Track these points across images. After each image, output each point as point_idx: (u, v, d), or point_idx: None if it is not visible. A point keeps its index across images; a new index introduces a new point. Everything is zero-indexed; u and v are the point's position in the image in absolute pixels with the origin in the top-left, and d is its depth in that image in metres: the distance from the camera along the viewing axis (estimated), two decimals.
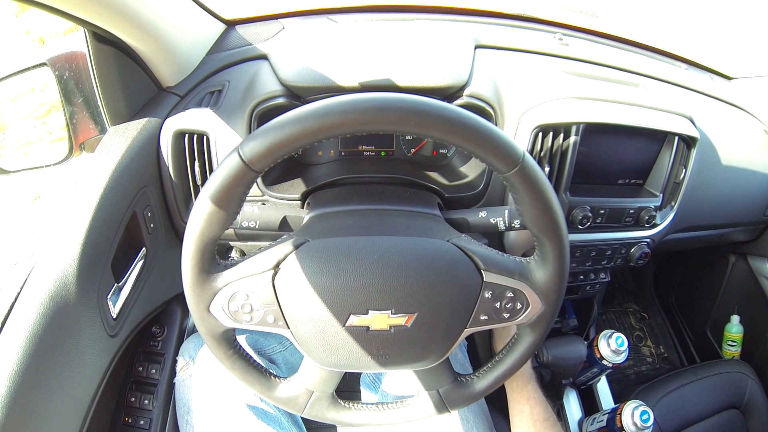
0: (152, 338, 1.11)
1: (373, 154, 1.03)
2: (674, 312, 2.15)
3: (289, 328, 0.65)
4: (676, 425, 1.38)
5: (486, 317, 0.67)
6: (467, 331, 0.68)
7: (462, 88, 0.94)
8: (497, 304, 0.66)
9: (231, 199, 0.56)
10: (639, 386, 1.42)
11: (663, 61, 1.50)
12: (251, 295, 0.63)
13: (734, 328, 1.80)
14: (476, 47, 1.08)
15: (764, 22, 1.63)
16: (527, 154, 0.57)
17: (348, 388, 1.17)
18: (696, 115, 1.19)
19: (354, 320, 0.63)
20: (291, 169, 0.99)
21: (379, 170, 0.97)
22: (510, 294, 0.66)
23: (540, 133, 0.98)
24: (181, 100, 0.98)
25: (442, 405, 0.76)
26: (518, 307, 0.67)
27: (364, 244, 0.66)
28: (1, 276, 0.79)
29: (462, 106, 0.91)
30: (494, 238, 1.07)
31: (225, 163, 0.54)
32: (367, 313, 0.62)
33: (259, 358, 0.99)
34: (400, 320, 0.63)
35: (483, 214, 0.84)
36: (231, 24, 1.13)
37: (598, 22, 1.47)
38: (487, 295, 0.65)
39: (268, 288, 0.63)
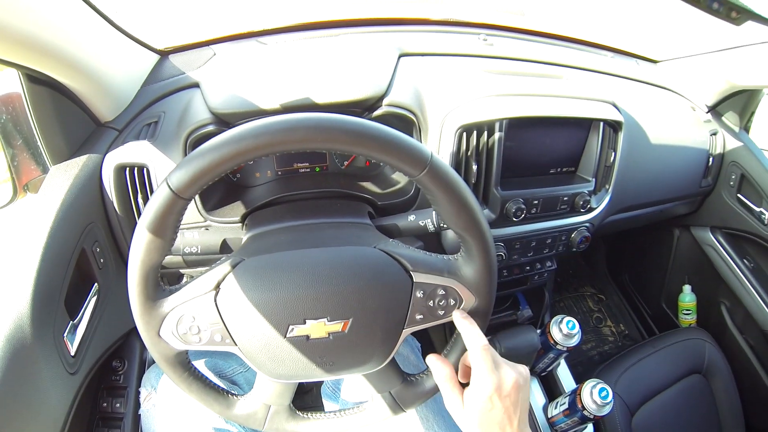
0: (114, 372, 1.12)
1: (308, 170, 1.06)
2: (629, 290, 2.23)
3: (236, 344, 0.67)
4: (640, 397, 1.44)
5: (421, 316, 0.69)
6: (406, 331, 0.70)
7: (381, 98, 0.98)
8: (430, 303, 0.69)
9: (166, 227, 0.59)
10: (600, 365, 1.47)
11: (589, 51, 1.58)
12: (197, 316, 0.65)
13: (687, 297, 1.88)
14: (401, 56, 1.13)
15: (685, 6, 1.70)
16: (435, 155, 0.59)
17: (314, 403, 1.20)
18: (621, 100, 1.26)
19: (294, 331, 0.65)
20: (231, 193, 1.02)
21: (315, 185, 1.00)
22: (441, 291, 0.69)
23: (464, 133, 1.03)
24: (120, 134, 1.01)
25: (396, 405, 0.79)
26: (452, 303, 0.70)
27: (295, 257, 0.68)
28: None
29: (382, 115, 0.97)
30: (431, 239, 1.11)
31: (156, 194, 0.57)
32: (304, 322, 0.65)
33: (221, 381, 1.02)
34: (337, 326, 0.66)
35: (411, 217, 0.88)
36: (164, 54, 1.16)
37: (524, 20, 1.54)
38: (419, 294, 0.68)
39: (211, 308, 0.65)
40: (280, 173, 1.05)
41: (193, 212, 0.94)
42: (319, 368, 0.69)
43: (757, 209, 1.58)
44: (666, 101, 1.57)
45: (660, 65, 1.69)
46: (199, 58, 1.14)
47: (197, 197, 0.92)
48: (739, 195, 1.64)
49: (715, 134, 1.61)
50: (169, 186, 0.56)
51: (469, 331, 0.70)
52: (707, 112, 1.63)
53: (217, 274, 0.66)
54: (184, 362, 0.72)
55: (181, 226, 0.90)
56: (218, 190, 1.00)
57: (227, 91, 0.97)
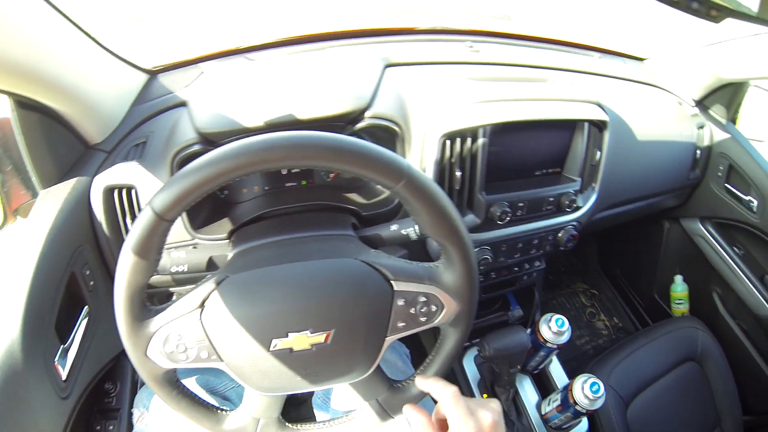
0: (106, 395, 1.06)
1: (295, 184, 1.01)
2: (622, 283, 2.14)
3: (222, 360, 0.64)
4: (634, 388, 1.37)
5: (404, 324, 0.66)
6: (389, 339, 0.66)
7: (365, 110, 0.91)
8: (412, 310, 0.65)
9: (149, 249, 0.56)
10: (594, 359, 1.40)
11: (576, 53, 1.50)
12: (183, 335, 0.62)
13: (679, 287, 1.80)
14: (387, 66, 1.06)
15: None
16: (412, 166, 0.56)
17: (308, 414, 1.13)
18: (607, 99, 1.18)
19: (277, 344, 0.62)
20: (218, 210, 0.96)
21: (301, 199, 0.94)
22: (423, 299, 0.65)
23: (448, 141, 0.96)
24: (109, 156, 0.95)
25: (384, 412, 0.75)
26: (433, 310, 0.66)
27: (277, 272, 0.65)
28: None
29: (365, 128, 0.91)
30: (416, 248, 1.05)
31: (140, 217, 0.55)
32: (287, 335, 0.61)
33: (213, 397, 0.97)
34: (320, 338, 0.62)
35: (394, 227, 0.84)
36: (153, 73, 1.09)
37: (510, 25, 1.46)
38: (400, 303, 0.64)
39: (197, 326, 0.61)
40: (267, 189, 1.00)
41: (180, 231, 0.88)
42: (304, 380, 0.66)
43: (746, 198, 1.51)
44: (653, 98, 1.49)
45: (647, 63, 1.61)
46: (187, 77, 1.07)
47: (184, 215, 0.87)
48: (727, 185, 1.56)
49: (702, 127, 1.53)
50: (152, 209, 0.53)
51: (434, 387, 0.69)
52: (694, 106, 1.55)
53: (201, 292, 0.63)
54: (172, 380, 0.68)
55: (169, 245, 0.86)
56: (205, 208, 0.94)
57: (213, 109, 0.91)
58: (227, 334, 0.62)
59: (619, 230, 2.00)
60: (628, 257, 2.11)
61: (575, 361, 1.89)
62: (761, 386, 1.61)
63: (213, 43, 1.15)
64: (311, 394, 1.01)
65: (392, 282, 0.64)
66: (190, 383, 0.96)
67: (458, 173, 0.97)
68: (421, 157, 0.97)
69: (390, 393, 0.74)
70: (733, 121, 1.57)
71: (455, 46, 1.25)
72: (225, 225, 0.91)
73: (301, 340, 0.62)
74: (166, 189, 0.53)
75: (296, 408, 1.17)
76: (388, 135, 0.96)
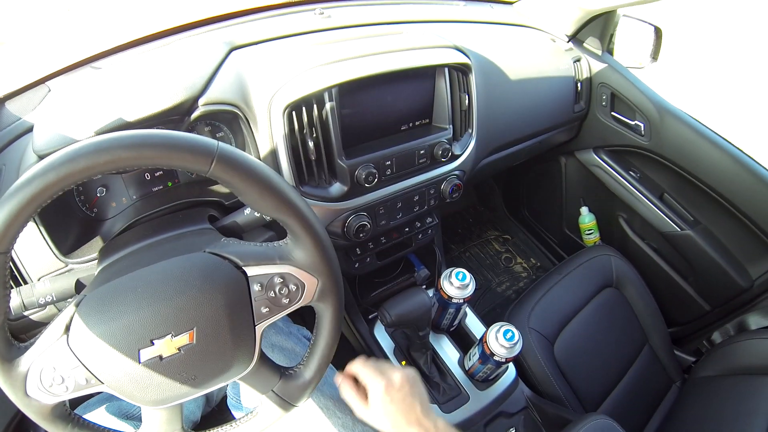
0: None
1: (161, 187, 0.92)
2: (531, 224, 2.13)
3: (103, 383, 0.58)
4: (557, 325, 1.33)
5: (267, 309, 0.61)
6: (260, 327, 0.62)
7: (197, 98, 0.82)
8: (271, 293, 0.61)
9: None
10: (511, 305, 1.35)
11: (439, 4, 1.42)
12: (56, 365, 0.56)
13: (586, 218, 1.79)
14: (232, 50, 0.96)
15: None
16: (221, 144, 0.52)
17: (225, 416, 1.05)
18: (474, 44, 1.12)
19: (146, 354, 0.56)
20: (88, 230, 0.87)
21: (169, 200, 0.86)
22: (279, 279, 0.61)
23: (293, 112, 0.87)
24: None
25: (284, 402, 0.70)
26: (293, 290, 0.62)
27: (129, 281, 0.59)
28: None
29: (201, 116, 0.81)
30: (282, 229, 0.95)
31: None
32: (152, 343, 0.56)
33: (128, 422, 0.92)
34: (184, 339, 0.57)
35: (247, 210, 0.78)
36: (1, 101, 0.95)
37: None
38: (257, 288, 0.60)
39: (67, 353, 0.56)
40: (135, 197, 0.90)
41: (50, 260, 0.79)
42: (185, 385, 0.60)
43: (632, 122, 1.50)
44: (524, 38, 1.44)
45: (516, 5, 1.57)
46: (34, 99, 0.95)
47: (48, 242, 0.77)
48: (613, 113, 1.55)
49: (578, 60, 1.50)
50: None
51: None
52: (568, 41, 1.52)
53: (64, 318, 0.57)
54: (63, 415, 0.62)
55: (44, 276, 0.79)
56: (73, 230, 0.85)
57: (53, 129, 0.80)
58: (97, 354, 0.56)
59: (518, 172, 1.99)
60: (533, 197, 2.08)
61: (499, 308, 1.87)
62: (679, 298, 1.62)
63: (59, 59, 1.02)
64: (224, 396, 0.97)
65: (244, 268, 0.60)
66: (100, 412, 0.91)
67: (310, 143, 0.89)
68: (269, 134, 0.88)
69: (283, 381, 0.69)
70: (610, 51, 1.55)
71: (304, 16, 1.15)
72: (96, 244, 0.83)
73: (167, 345, 0.57)
74: None
75: (219, 413, 1.11)
76: (231, 118, 0.87)
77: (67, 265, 0.81)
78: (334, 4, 1.22)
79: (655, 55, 1.44)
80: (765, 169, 1.33)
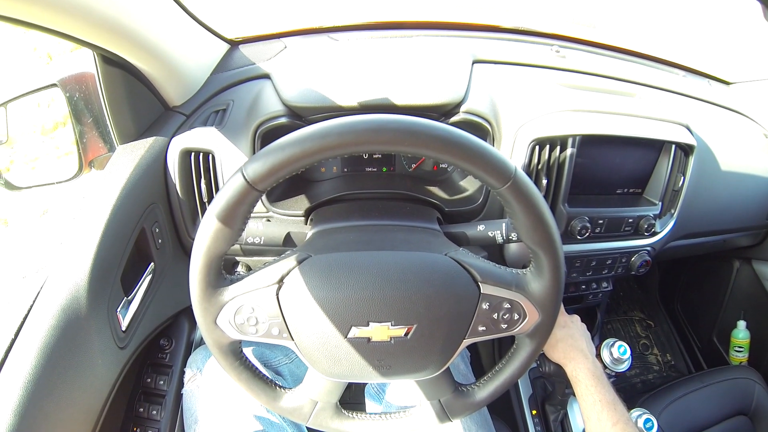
0: (161, 350, 1.13)
1: (375, 170, 1.04)
2: (680, 319, 2.14)
3: (293, 339, 0.66)
4: None
5: (484, 328, 0.68)
6: (466, 342, 0.69)
7: (459, 104, 0.95)
8: (495, 315, 0.67)
9: (236, 217, 0.58)
10: (645, 394, 1.42)
11: (660, 69, 1.52)
12: (256, 308, 0.65)
13: (741, 333, 1.79)
14: (474, 62, 1.10)
15: (760, 26, 1.63)
16: (519, 170, 0.58)
17: (354, 400, 1.17)
18: (693, 122, 1.20)
19: (355, 332, 0.64)
20: (295, 186, 1.00)
21: (381, 186, 0.99)
22: (507, 305, 0.67)
23: (537, 147, 1.00)
24: (187, 119, 1.01)
25: (444, 414, 0.77)
26: (516, 318, 0.68)
27: (364, 258, 0.67)
28: (11, 289, 0.82)
29: (458, 122, 0.95)
30: (494, 250, 1.08)
31: (229, 183, 0.57)
32: (368, 325, 0.64)
33: (266, 370, 1.02)
34: (400, 332, 0.64)
35: (481, 227, 0.86)
36: (234, 44, 1.15)
37: (595, 33, 1.50)
38: (485, 306, 0.66)
39: (272, 302, 0.64)
40: (345, 170, 1.04)
41: None
42: (375, 371, 0.69)
43: None
44: (737, 126, 1.50)
45: (733, 87, 1.62)
46: (269, 50, 1.13)
47: None
48: None
49: None
50: (244, 176, 0.56)
51: None
52: None
53: (281, 268, 0.66)
54: (236, 351, 0.71)
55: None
56: (282, 183, 0.99)
57: (300, 84, 0.95)
58: (304, 314, 0.64)
59: (685, 262, 2.02)
60: (691, 293, 2.10)
61: (622, 393, 1.82)
62: None
63: (296, 19, 1.21)
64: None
65: (480, 284, 0.66)
66: (246, 353, 1.01)
67: (544, 181, 1.01)
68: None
69: (454, 396, 0.76)
70: None
71: (540, 49, 1.29)
72: (301, 202, 0.95)
73: (381, 331, 0.64)
74: (261, 158, 0.55)
75: (347, 392, 1.22)
76: (479, 133, 0.99)
77: (268, 211, 0.95)
78: (569, 44, 1.36)
79: None
80: None
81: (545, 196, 1.02)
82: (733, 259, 1.82)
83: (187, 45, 0.99)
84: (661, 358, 2.08)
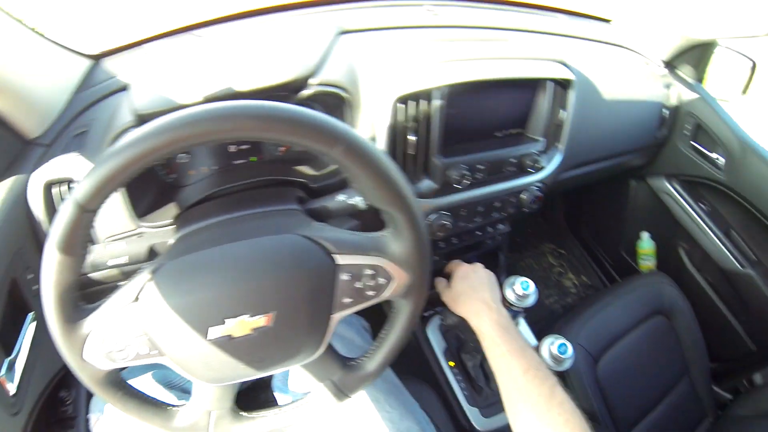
0: (62, 404, 0.92)
1: (244, 161, 0.87)
2: (588, 241, 2.02)
3: (164, 355, 0.54)
4: (603, 344, 1.26)
5: (350, 299, 0.57)
6: (335, 317, 0.58)
7: (309, 77, 0.78)
8: (358, 284, 0.56)
9: (75, 244, 0.48)
10: (561, 318, 1.29)
11: (540, 14, 1.35)
12: (119, 332, 0.53)
13: (645, 243, 1.69)
14: (340, 34, 0.92)
15: None
16: (350, 130, 0.48)
17: (267, 397, 1.01)
18: (570, 58, 1.04)
19: (215, 332, 0.52)
20: (164, 195, 0.83)
21: (250, 176, 0.82)
22: (369, 271, 0.56)
23: (401, 104, 0.83)
24: (48, 150, 0.80)
25: (340, 392, 0.66)
26: (381, 283, 0.57)
27: (212, 255, 0.55)
28: None
29: (310, 96, 0.77)
30: (369, 218, 0.90)
31: (61, 210, 0.47)
32: (223, 322, 0.52)
33: (172, 391, 0.87)
34: (260, 321, 0.53)
35: (341, 197, 0.73)
36: (97, 58, 0.93)
37: None
38: (345, 277, 0.56)
39: (133, 321, 0.53)
40: (214, 168, 0.86)
41: (122, 221, 0.75)
42: (249, 367, 0.56)
43: (712, 155, 1.38)
44: (620, 58, 1.35)
45: (613, 24, 1.47)
46: (131, 60, 0.92)
47: (126, 203, 0.74)
48: (693, 143, 1.43)
49: (669, 87, 1.40)
50: (73, 200, 0.45)
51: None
52: (662, 67, 1.41)
53: (136, 285, 0.53)
54: (116, 381, 0.58)
55: (115, 237, 0.74)
56: (150, 193, 0.81)
57: (154, 90, 0.77)
58: (165, 326, 0.53)
59: (585, 189, 1.89)
60: (595, 216, 1.98)
61: (544, 321, 1.78)
62: (726, 335, 1.52)
63: (160, 23, 0.99)
64: (270, 377, 0.92)
65: (334, 256, 0.55)
66: (146, 379, 0.87)
67: (412, 137, 0.85)
68: (372, 122, 0.84)
69: (344, 372, 0.65)
70: (700, 80, 1.43)
71: (414, 10, 1.10)
72: (171, 210, 0.79)
73: (241, 326, 0.53)
74: (87, 177, 0.45)
75: (257, 393, 1.06)
76: (337, 102, 0.83)
77: (137, 228, 0.76)
78: (441, 2, 1.16)
79: (745, 89, 1.32)
80: None
81: (416, 153, 0.87)
82: (630, 179, 1.70)
83: (39, 68, 0.79)
84: (577, 281, 1.97)
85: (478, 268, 0.92)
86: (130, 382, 0.61)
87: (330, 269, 0.55)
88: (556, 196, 2.09)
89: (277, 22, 1.04)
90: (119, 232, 0.76)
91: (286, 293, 0.54)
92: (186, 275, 0.53)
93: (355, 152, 0.48)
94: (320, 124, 0.47)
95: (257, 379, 0.61)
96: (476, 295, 0.84)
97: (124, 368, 0.56)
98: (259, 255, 0.55)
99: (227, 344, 0.53)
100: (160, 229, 0.77)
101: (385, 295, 0.58)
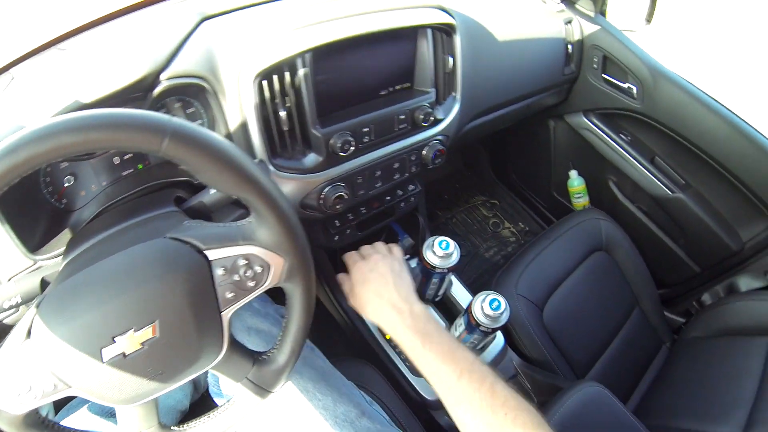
0: None
1: (132, 171, 0.81)
2: (519, 188, 2.01)
3: (71, 386, 0.51)
4: (546, 291, 1.24)
5: (233, 294, 0.54)
6: (226, 314, 0.55)
7: (160, 72, 0.71)
8: (236, 277, 0.53)
9: None
10: (499, 271, 1.26)
11: None
12: (21, 372, 0.49)
13: (575, 181, 1.68)
14: (203, 20, 0.83)
15: None
16: (174, 119, 0.43)
17: (209, 404, 0.97)
18: (450, 2, 0.98)
19: (108, 353, 0.49)
20: (57, 222, 0.77)
21: (140, 184, 0.77)
22: (243, 261, 0.53)
23: (263, 81, 0.77)
24: None
25: (260, 389, 0.64)
26: (259, 271, 0.54)
27: (89, 275, 0.52)
28: None
29: (166, 92, 0.71)
30: None
31: None
32: (113, 341, 0.49)
33: (111, 420, 0.83)
34: (147, 333, 0.50)
35: (213, 189, 0.68)
36: None
37: None
38: (220, 272, 0.52)
39: (31, 359, 0.50)
40: (105, 184, 0.79)
41: (17, 258, 0.68)
42: (154, 381, 0.54)
43: (624, 85, 1.38)
44: None
45: None
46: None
47: (14, 239, 0.67)
48: (604, 75, 1.42)
49: (569, 22, 1.37)
50: None
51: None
52: (559, 2, 1.38)
53: (26, 321, 0.50)
54: (37, 423, 0.55)
55: (12, 278, 0.68)
56: (41, 224, 0.74)
57: (8, 119, 0.69)
58: (61, 357, 0.49)
59: (505, 136, 1.87)
60: (521, 161, 1.97)
61: (487, 274, 1.77)
62: (669, 260, 1.53)
63: (23, 44, 0.89)
64: (206, 384, 0.89)
65: (205, 252, 0.52)
66: (83, 412, 0.82)
67: (283, 113, 0.78)
68: (239, 105, 0.77)
69: (257, 368, 0.63)
70: (602, 13, 1.42)
71: None
72: (66, 237, 0.73)
73: (130, 341, 0.49)
74: None
75: (203, 399, 1.02)
76: (200, 92, 0.77)
77: (35, 263, 0.71)
78: None
79: (649, 17, 1.31)
80: (758, 132, 1.22)
81: (290, 128, 0.81)
82: (547, 119, 1.68)
83: None
84: (515, 229, 1.95)
85: (377, 261, 0.80)
86: (69, 418, 0.58)
87: (203, 267, 0.52)
88: (478, 147, 2.06)
89: (144, 18, 0.95)
90: (19, 270, 0.70)
91: (164, 300, 0.50)
92: (67, 301, 0.50)
93: (185, 142, 0.43)
94: (139, 121, 0.42)
95: (203, 386, 0.57)
96: (381, 301, 0.74)
97: (39, 408, 0.53)
98: (129, 266, 0.51)
99: (124, 363, 0.50)
100: (56, 259, 0.71)
101: (268, 282, 0.55)
